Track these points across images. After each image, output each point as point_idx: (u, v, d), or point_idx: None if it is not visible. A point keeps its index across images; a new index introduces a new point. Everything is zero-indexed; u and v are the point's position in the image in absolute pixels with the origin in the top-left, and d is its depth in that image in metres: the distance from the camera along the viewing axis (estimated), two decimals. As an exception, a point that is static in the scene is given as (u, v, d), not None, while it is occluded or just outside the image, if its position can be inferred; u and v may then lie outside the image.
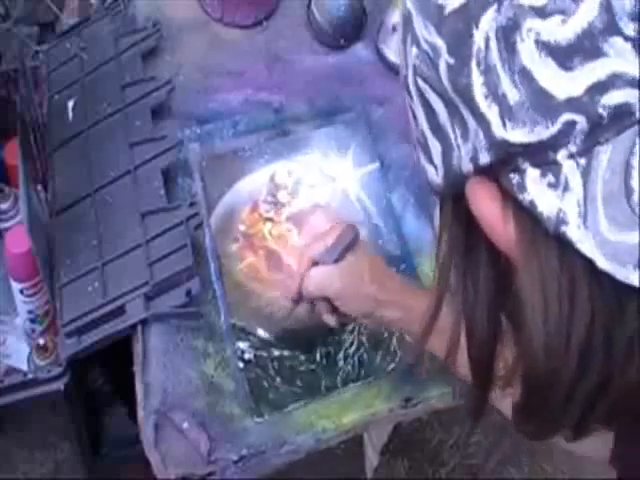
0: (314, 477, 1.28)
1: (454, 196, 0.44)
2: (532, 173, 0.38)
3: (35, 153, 1.04)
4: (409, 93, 0.44)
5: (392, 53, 1.15)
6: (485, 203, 0.41)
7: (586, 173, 0.35)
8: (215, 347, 0.90)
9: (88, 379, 1.18)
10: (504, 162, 0.39)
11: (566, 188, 0.36)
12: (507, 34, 0.36)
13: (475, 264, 0.45)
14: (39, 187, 1.03)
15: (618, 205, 0.34)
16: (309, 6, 1.18)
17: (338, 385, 0.91)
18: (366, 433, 1.26)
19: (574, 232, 0.36)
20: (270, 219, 1.02)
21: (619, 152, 0.34)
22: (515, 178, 0.38)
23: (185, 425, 0.83)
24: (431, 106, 0.42)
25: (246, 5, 1.19)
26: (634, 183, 0.34)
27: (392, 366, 0.92)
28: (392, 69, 1.15)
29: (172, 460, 0.82)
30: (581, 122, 0.35)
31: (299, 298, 0.85)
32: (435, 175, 0.45)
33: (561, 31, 0.35)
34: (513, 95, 0.36)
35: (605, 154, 0.35)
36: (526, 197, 0.38)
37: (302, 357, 0.92)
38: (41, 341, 0.95)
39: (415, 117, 0.45)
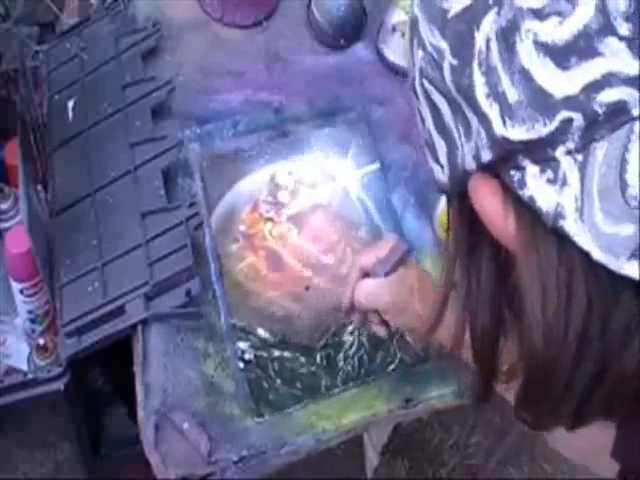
0: (314, 477, 1.28)
1: (459, 194, 0.46)
2: (532, 169, 0.39)
3: (35, 153, 1.04)
4: (416, 95, 0.46)
5: (392, 53, 1.15)
6: (487, 199, 0.42)
7: (583, 168, 0.37)
8: (215, 347, 0.90)
9: (88, 379, 1.18)
10: (505, 159, 0.40)
11: (564, 183, 0.37)
12: (507, 35, 0.38)
13: (478, 259, 0.47)
14: (39, 187, 1.03)
15: (613, 199, 0.36)
16: (309, 6, 1.18)
17: (338, 386, 0.91)
18: (366, 433, 1.26)
19: (571, 225, 0.37)
20: (270, 219, 1.02)
21: (615, 148, 0.36)
22: (516, 175, 0.40)
23: (185, 425, 0.83)
24: (436, 106, 0.44)
25: (246, 5, 1.19)
26: (629, 177, 0.35)
27: (392, 367, 0.92)
28: (392, 69, 1.15)
29: (172, 460, 0.82)
30: (578, 119, 0.36)
31: (351, 308, 0.85)
32: (442, 174, 0.46)
33: (558, 32, 0.36)
34: (513, 94, 0.38)
35: (601, 150, 0.36)
36: (526, 193, 0.39)
37: (302, 358, 0.92)
38: (41, 341, 0.95)
39: (422, 118, 0.47)
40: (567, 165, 0.37)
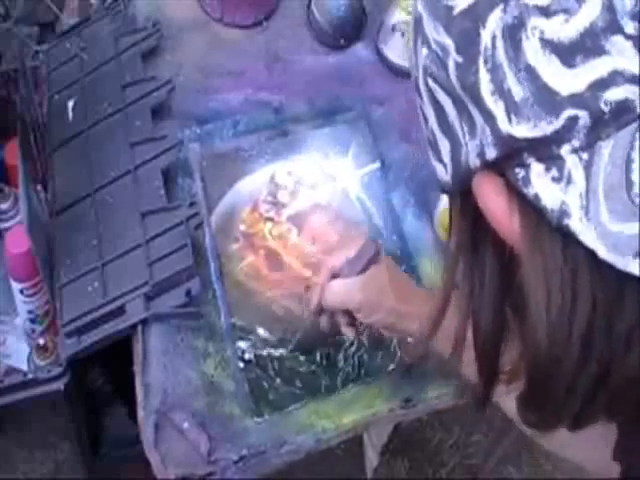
0: (314, 477, 1.28)
1: (462, 193, 0.46)
2: (536, 167, 0.39)
3: (35, 153, 1.04)
4: (419, 94, 0.46)
5: (392, 53, 1.15)
6: (491, 197, 0.42)
7: (588, 167, 0.37)
8: (215, 347, 0.90)
9: (88, 379, 1.18)
10: (510, 157, 0.40)
11: (569, 182, 0.37)
12: (513, 33, 0.38)
13: (481, 258, 0.47)
14: (39, 187, 1.03)
15: (619, 197, 0.36)
16: (309, 6, 1.18)
17: (338, 385, 0.91)
18: (366, 433, 1.26)
19: (577, 224, 0.37)
20: (270, 219, 1.02)
21: (620, 147, 0.36)
22: (520, 172, 0.40)
23: (185, 425, 0.83)
24: (440, 105, 0.44)
25: (246, 5, 1.19)
26: (634, 176, 0.35)
27: (392, 366, 0.92)
28: (392, 69, 1.15)
29: (172, 460, 0.82)
30: (584, 117, 0.36)
31: (320, 310, 0.85)
32: (444, 173, 0.46)
33: (564, 30, 0.36)
34: (518, 91, 0.38)
35: (607, 149, 0.36)
36: (531, 191, 0.39)
37: (302, 357, 0.92)
38: (41, 341, 0.95)
39: (425, 117, 0.46)
40: (572, 163, 0.37)
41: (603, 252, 0.36)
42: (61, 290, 0.93)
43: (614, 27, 0.35)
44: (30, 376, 0.93)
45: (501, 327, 0.48)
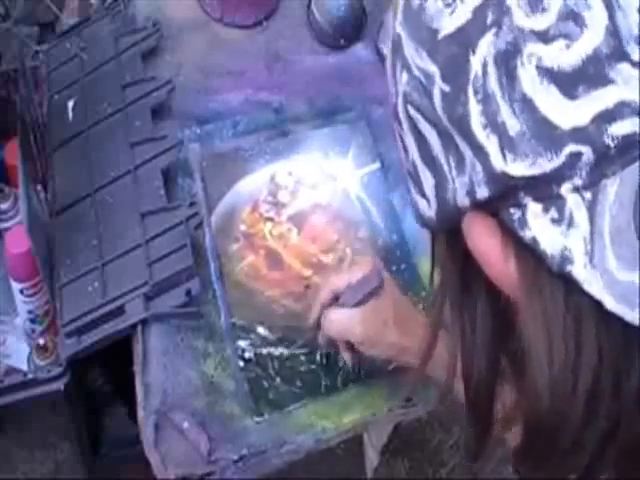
0: (314, 477, 1.28)
1: (448, 231, 0.42)
2: (534, 208, 0.35)
3: (35, 153, 1.04)
4: (399, 122, 0.42)
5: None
6: (483, 240, 0.39)
7: (592, 208, 0.33)
8: (215, 347, 0.90)
9: (88, 379, 1.18)
10: (504, 196, 0.36)
11: (571, 224, 0.34)
12: (507, 59, 0.34)
13: (472, 303, 0.43)
14: (39, 187, 1.03)
15: (627, 242, 0.32)
16: (309, 6, 1.18)
17: (338, 385, 0.90)
18: (366, 433, 1.26)
19: (580, 271, 0.34)
20: (270, 219, 1.02)
21: (628, 185, 0.33)
22: (516, 213, 0.36)
23: (185, 425, 0.83)
24: (423, 136, 0.40)
25: (246, 5, 1.19)
26: None
27: (392, 366, 0.92)
28: (392, 69, 1.15)
29: (172, 460, 0.82)
30: (587, 153, 0.33)
31: (317, 326, 0.85)
32: (427, 208, 0.42)
33: (565, 57, 0.33)
34: (513, 125, 0.34)
35: (612, 187, 0.33)
36: (528, 234, 0.36)
37: (302, 357, 0.92)
38: (41, 341, 0.95)
39: (405, 147, 0.43)
40: (574, 203, 0.34)
41: (611, 303, 0.33)
42: (61, 290, 0.93)
43: (619, 54, 0.32)
44: (30, 376, 0.93)
45: (495, 377, 0.44)
